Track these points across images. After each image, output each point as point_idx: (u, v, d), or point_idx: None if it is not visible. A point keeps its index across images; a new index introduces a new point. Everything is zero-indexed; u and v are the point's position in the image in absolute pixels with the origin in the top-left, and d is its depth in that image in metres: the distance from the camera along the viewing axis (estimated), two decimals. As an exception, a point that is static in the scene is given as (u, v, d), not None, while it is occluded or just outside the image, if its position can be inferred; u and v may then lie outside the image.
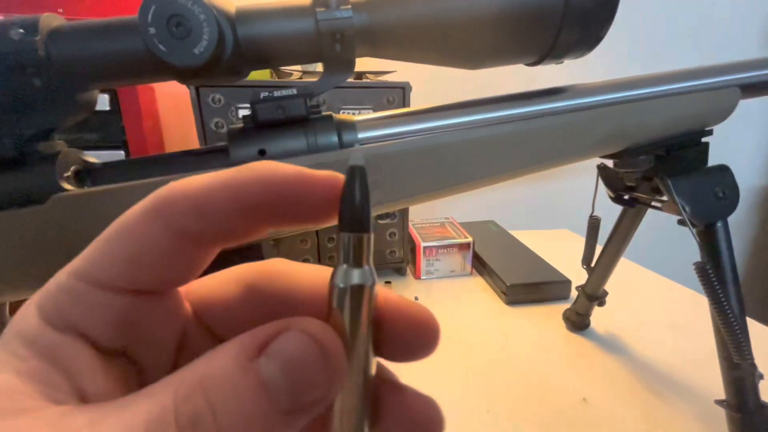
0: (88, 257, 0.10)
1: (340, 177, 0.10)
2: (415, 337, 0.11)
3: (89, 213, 0.22)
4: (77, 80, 0.21)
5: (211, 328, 0.13)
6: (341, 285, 0.10)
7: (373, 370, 0.11)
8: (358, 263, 0.10)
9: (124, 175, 0.24)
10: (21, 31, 0.19)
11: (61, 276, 0.10)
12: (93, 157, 0.26)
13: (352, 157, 0.10)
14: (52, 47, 0.20)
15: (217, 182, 0.10)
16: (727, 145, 1.00)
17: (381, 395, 0.11)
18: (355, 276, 0.10)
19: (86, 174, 0.24)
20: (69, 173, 0.23)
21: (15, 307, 0.28)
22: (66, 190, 0.22)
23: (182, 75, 0.22)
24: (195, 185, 0.10)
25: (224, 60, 0.21)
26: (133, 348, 0.11)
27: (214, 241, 0.11)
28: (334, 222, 0.11)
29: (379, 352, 0.11)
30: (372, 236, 0.10)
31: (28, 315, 0.10)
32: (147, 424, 0.08)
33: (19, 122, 0.21)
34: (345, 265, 0.10)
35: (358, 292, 0.10)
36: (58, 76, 0.20)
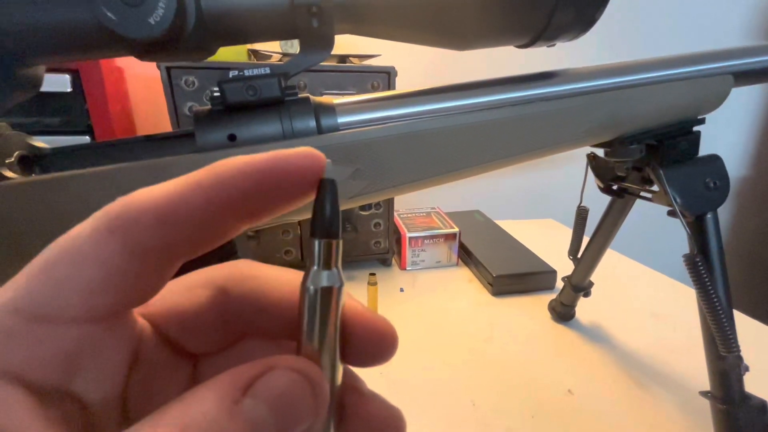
0: (24, 288, 0.09)
1: (316, 153, 0.10)
2: (375, 345, 0.11)
3: (37, 204, 0.20)
4: (16, 54, 0.18)
5: (170, 338, 0.12)
6: (311, 287, 0.10)
7: (340, 375, 0.11)
8: (327, 267, 0.11)
9: (78, 162, 0.22)
10: (-56, -6, 0.17)
11: None
12: (47, 142, 0.23)
13: (324, 169, 0.10)
14: (-17, 14, 0.17)
15: (184, 186, 0.09)
16: (705, 135, 1.01)
17: (346, 401, 0.12)
18: (325, 278, 0.10)
19: (34, 161, 0.22)
20: (12, 159, 0.20)
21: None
22: (8, 178, 0.20)
23: (138, 49, 0.19)
24: (157, 195, 0.09)
25: (186, 33, 0.19)
26: (77, 383, 0.10)
27: (182, 252, 0.10)
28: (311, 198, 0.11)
29: (342, 358, 0.11)
30: (341, 242, 0.11)
31: None
32: None
33: (-51, 101, 0.18)
34: (315, 268, 0.10)
35: (328, 293, 0.10)
36: (-7, 49, 0.18)
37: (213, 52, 0.22)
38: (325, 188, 0.10)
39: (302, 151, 0.10)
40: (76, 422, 0.10)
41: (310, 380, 0.09)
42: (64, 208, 0.20)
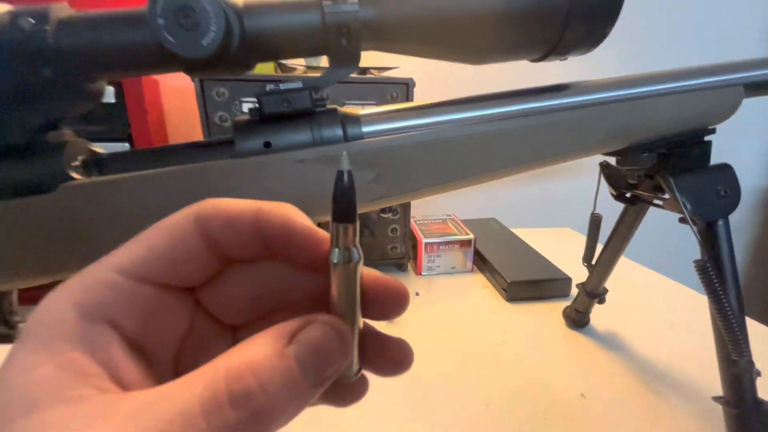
0: (128, 254, 0.12)
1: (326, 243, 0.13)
2: (390, 301, 0.14)
3: (97, 202, 0.22)
4: (85, 70, 0.21)
5: (214, 313, 0.15)
6: (335, 261, 0.12)
7: (361, 324, 0.14)
8: (347, 245, 0.12)
9: (130, 166, 0.25)
10: (31, 20, 0.20)
11: (98, 271, 0.11)
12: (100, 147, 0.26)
13: (341, 162, 0.12)
14: (61, 37, 0.20)
15: (248, 208, 0.13)
16: (731, 146, 0.99)
17: (367, 341, 0.14)
18: (344, 255, 0.12)
19: (93, 164, 0.24)
20: (77, 163, 0.23)
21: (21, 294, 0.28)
22: (74, 179, 0.22)
23: (189, 67, 0.22)
24: (231, 205, 0.13)
25: (231, 52, 0.22)
26: (149, 340, 0.12)
27: (229, 254, 0.13)
28: (313, 272, 0.14)
29: (364, 314, 0.14)
30: (357, 225, 0.13)
31: (59, 310, 0.11)
32: (202, 404, 0.09)
33: (28, 112, 0.21)
34: (337, 248, 0.12)
35: (348, 266, 0.12)
36: (67, 66, 0.21)
37: (252, 68, 0.24)
38: (342, 178, 0.12)
39: (326, 237, 0.13)
40: (147, 374, 0.12)
41: (339, 331, 0.12)
42: (119, 205, 0.23)
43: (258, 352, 0.10)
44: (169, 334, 0.13)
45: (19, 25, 0.20)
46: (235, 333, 0.15)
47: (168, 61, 0.21)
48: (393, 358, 0.14)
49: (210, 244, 0.13)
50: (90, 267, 0.12)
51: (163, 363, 0.13)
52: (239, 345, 0.11)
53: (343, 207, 0.12)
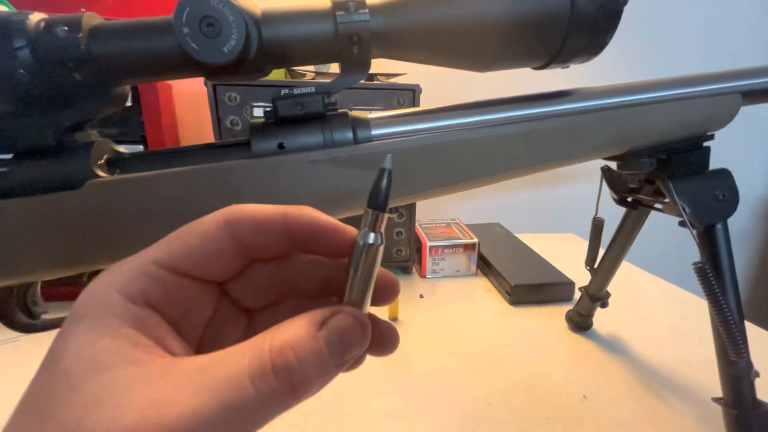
0: (164, 249, 0.13)
1: (352, 233, 0.15)
2: (386, 290, 0.16)
3: (120, 198, 0.24)
4: (113, 75, 0.23)
5: (234, 297, 0.16)
6: (361, 242, 0.14)
7: (368, 305, 0.15)
8: (374, 230, 0.14)
9: (150, 165, 0.26)
10: (65, 28, 0.21)
11: (138, 262, 0.13)
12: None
13: (385, 161, 0.14)
14: (92, 44, 0.22)
15: (276, 211, 0.14)
16: (739, 154, 1.00)
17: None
18: (371, 238, 0.14)
19: (116, 162, 0.26)
20: (102, 161, 0.24)
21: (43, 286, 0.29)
22: (99, 176, 0.24)
23: (210, 72, 0.23)
24: (259, 209, 0.14)
25: (249, 59, 0.23)
26: (181, 322, 0.14)
27: (256, 253, 0.15)
28: (338, 258, 0.15)
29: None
30: (386, 215, 0.14)
31: (106, 294, 0.12)
32: (250, 371, 0.11)
33: (60, 113, 0.22)
34: (366, 230, 0.14)
35: (372, 247, 0.14)
36: (97, 71, 0.22)
37: (267, 73, 0.26)
38: (383, 174, 0.14)
39: (350, 231, 0.15)
40: (183, 350, 0.13)
41: (361, 321, 0.14)
42: (141, 201, 0.24)
43: (296, 334, 0.12)
44: (197, 317, 0.14)
45: (54, 32, 0.21)
46: (251, 316, 0.17)
47: (190, 67, 0.22)
48: (384, 339, 0.16)
49: (238, 245, 0.14)
50: (129, 258, 0.13)
51: (190, 341, 0.14)
52: (278, 326, 0.13)
53: (379, 198, 0.14)
